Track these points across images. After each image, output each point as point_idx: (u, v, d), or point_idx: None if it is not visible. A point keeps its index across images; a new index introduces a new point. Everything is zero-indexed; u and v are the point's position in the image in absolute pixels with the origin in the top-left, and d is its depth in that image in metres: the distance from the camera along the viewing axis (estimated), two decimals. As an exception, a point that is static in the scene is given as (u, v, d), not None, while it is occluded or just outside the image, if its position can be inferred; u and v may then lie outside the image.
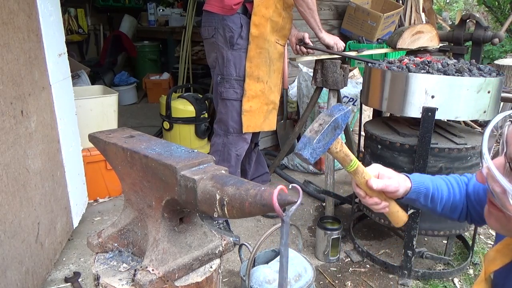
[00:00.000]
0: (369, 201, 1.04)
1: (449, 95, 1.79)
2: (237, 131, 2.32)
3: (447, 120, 2.10)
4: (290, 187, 0.78)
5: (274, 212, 0.77)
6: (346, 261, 2.21)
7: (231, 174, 0.96)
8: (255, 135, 2.60)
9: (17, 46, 1.63)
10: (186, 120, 3.31)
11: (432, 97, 1.80)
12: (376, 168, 1.05)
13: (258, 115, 2.35)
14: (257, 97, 2.31)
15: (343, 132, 2.98)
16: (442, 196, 1.09)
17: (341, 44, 2.52)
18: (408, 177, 1.08)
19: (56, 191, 2.01)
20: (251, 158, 2.67)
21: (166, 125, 3.36)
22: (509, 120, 0.73)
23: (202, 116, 3.36)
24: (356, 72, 3.51)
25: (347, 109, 0.91)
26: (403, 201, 1.09)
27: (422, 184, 1.07)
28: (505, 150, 0.70)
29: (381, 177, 1.03)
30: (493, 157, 0.73)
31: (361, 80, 3.29)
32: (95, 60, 5.92)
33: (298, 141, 0.86)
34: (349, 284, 2.02)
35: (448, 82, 1.79)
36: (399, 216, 1.11)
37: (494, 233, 2.28)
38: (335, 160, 3.31)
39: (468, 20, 2.78)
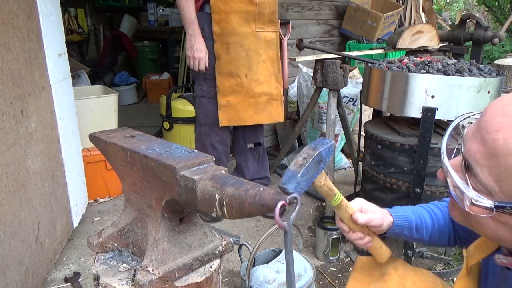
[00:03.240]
0: (352, 236, 1.04)
1: (449, 95, 1.79)
2: (205, 123, 2.42)
3: (447, 120, 2.10)
4: (288, 198, 0.78)
5: (274, 213, 0.78)
6: (346, 261, 2.21)
7: None
8: (248, 134, 2.60)
9: (17, 46, 1.63)
10: (186, 120, 3.31)
11: (432, 97, 1.80)
12: (359, 203, 1.04)
13: (243, 108, 2.35)
14: (235, 92, 2.31)
15: (342, 133, 2.95)
16: (427, 225, 1.08)
17: (195, 63, 2.19)
18: (390, 212, 1.07)
19: (56, 191, 2.01)
20: (247, 156, 2.68)
21: (166, 125, 3.36)
22: (470, 121, 0.76)
23: (202, 116, 3.36)
24: (356, 72, 3.51)
25: (331, 143, 0.92)
26: (387, 236, 1.09)
27: (404, 217, 1.07)
28: (462, 150, 0.73)
29: (365, 212, 1.03)
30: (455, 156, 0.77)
31: (361, 80, 3.29)
32: (95, 60, 5.92)
33: (283, 174, 0.86)
34: (349, 284, 2.02)
35: (448, 82, 1.79)
36: (383, 252, 1.10)
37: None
38: (335, 160, 3.32)
39: (468, 20, 2.78)
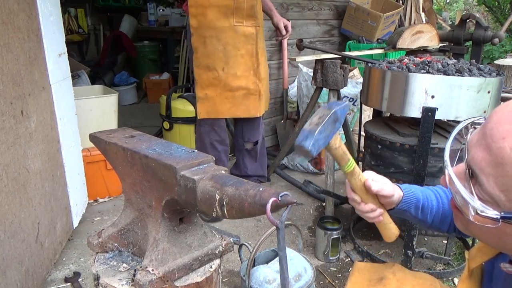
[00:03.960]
0: (365, 207, 1.02)
1: (449, 95, 1.79)
2: (204, 123, 2.44)
3: (447, 120, 2.11)
4: (280, 196, 0.78)
5: (280, 211, 0.78)
6: (346, 261, 2.21)
7: None
8: (246, 131, 2.61)
9: (17, 46, 1.63)
10: (186, 120, 3.32)
11: (432, 97, 1.80)
12: (370, 173, 1.03)
13: (220, 101, 2.37)
14: (213, 85, 2.33)
15: (343, 132, 2.95)
16: (432, 206, 1.07)
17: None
18: (399, 187, 1.06)
19: (56, 191, 2.01)
20: (244, 155, 2.71)
21: (166, 125, 3.36)
22: (473, 127, 0.74)
23: (202, 116, 3.36)
24: (356, 72, 3.51)
25: (345, 103, 0.91)
26: (394, 213, 1.07)
27: (413, 194, 1.05)
28: (466, 157, 0.71)
29: (376, 181, 1.01)
30: (458, 162, 0.75)
31: (361, 80, 3.29)
32: (95, 60, 5.92)
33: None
34: (349, 284, 2.02)
35: (448, 82, 1.79)
36: (391, 229, 1.09)
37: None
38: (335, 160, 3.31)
39: (468, 20, 2.78)
